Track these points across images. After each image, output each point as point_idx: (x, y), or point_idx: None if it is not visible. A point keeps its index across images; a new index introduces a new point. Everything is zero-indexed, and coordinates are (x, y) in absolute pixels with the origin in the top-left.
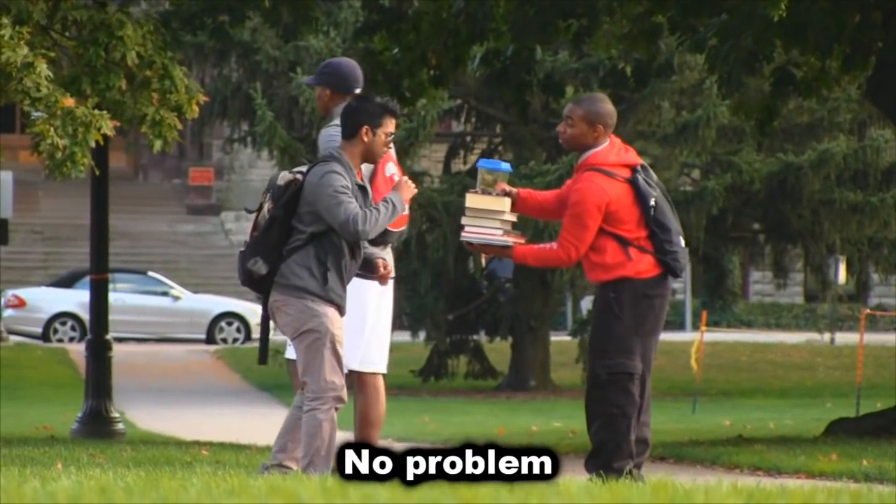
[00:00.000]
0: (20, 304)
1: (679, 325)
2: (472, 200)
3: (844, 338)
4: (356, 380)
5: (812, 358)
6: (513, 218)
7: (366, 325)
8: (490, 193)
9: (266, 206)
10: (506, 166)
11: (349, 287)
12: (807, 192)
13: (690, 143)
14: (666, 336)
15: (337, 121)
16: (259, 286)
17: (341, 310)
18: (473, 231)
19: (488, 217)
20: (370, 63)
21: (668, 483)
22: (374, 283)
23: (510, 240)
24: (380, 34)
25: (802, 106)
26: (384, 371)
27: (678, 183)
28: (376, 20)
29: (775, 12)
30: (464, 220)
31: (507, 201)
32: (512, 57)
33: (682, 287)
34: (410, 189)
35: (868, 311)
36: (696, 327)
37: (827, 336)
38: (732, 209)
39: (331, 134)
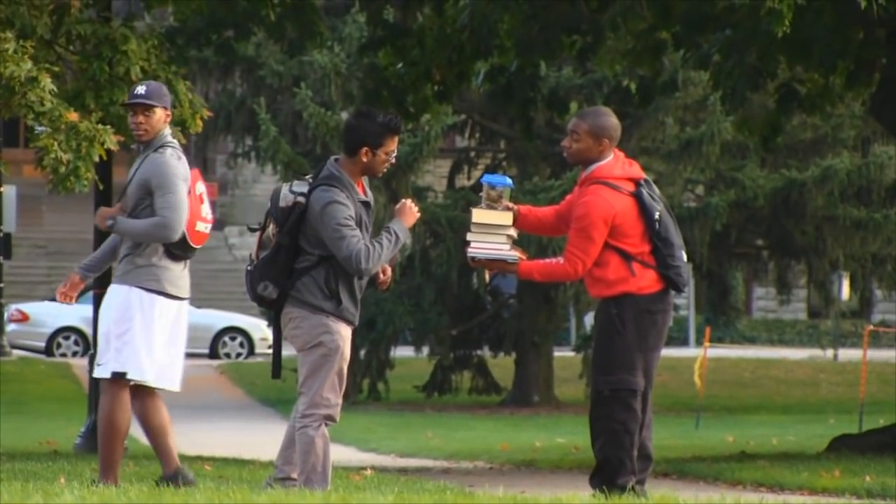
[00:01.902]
0: (23, 318)
1: (682, 341)
2: (478, 216)
3: (848, 354)
4: (137, 391)
5: (815, 374)
6: (514, 234)
7: (164, 339)
8: (495, 208)
9: (270, 229)
10: (509, 181)
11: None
12: (810, 208)
13: (694, 159)
14: (669, 352)
15: (169, 151)
16: (271, 305)
17: (353, 325)
18: (479, 246)
19: (494, 232)
20: (375, 78)
21: (670, 499)
22: (172, 302)
23: (516, 254)
24: (384, 49)
25: (806, 122)
26: (178, 389)
27: (682, 199)
28: (381, 36)
29: (779, 28)
30: (469, 236)
31: (511, 216)
32: (516, 73)
33: (685, 303)
34: (414, 215)
35: (871, 327)
36: (699, 343)
37: (830, 352)
38: (736, 225)
39: (169, 166)
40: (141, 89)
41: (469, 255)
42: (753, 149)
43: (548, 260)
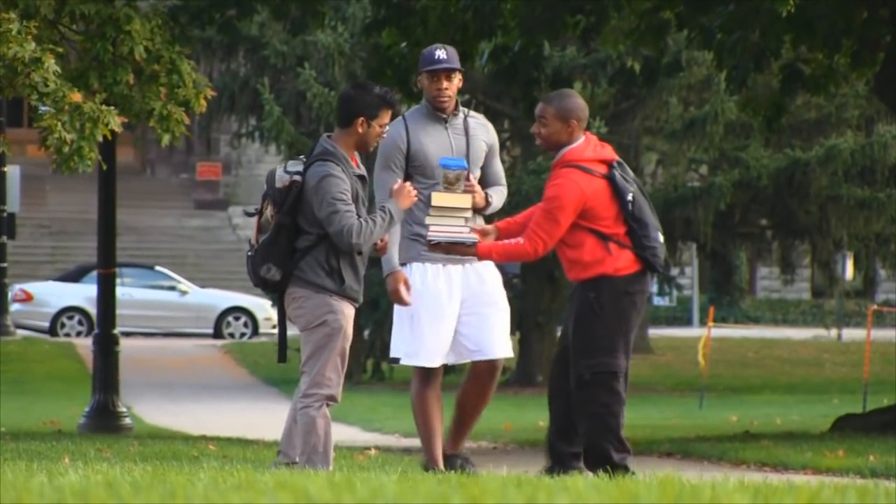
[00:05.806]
0: (27, 298)
1: (686, 321)
2: (437, 199)
3: (851, 334)
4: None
5: (819, 354)
6: (471, 215)
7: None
8: (453, 191)
9: (268, 211)
10: (464, 163)
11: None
12: (814, 188)
13: (698, 138)
14: (673, 331)
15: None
16: (274, 288)
17: (357, 303)
18: (439, 229)
19: (453, 215)
20: (378, 58)
21: (674, 479)
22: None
23: (475, 236)
24: (388, 29)
25: (810, 102)
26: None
27: (686, 179)
28: (384, 15)
29: (783, 8)
30: (428, 220)
31: (470, 198)
32: (520, 52)
33: (689, 283)
34: (411, 198)
35: (875, 307)
36: (703, 323)
37: (834, 332)
38: (740, 205)
39: None
40: (442, 54)
41: (428, 238)
42: (757, 128)
43: (507, 241)
